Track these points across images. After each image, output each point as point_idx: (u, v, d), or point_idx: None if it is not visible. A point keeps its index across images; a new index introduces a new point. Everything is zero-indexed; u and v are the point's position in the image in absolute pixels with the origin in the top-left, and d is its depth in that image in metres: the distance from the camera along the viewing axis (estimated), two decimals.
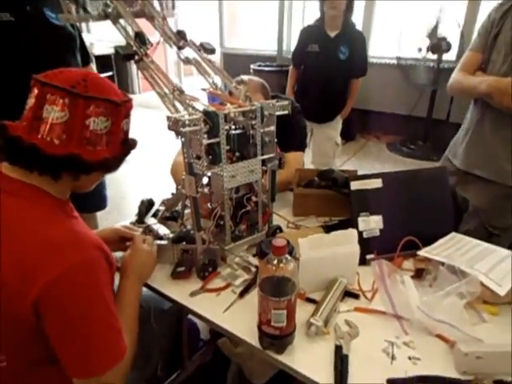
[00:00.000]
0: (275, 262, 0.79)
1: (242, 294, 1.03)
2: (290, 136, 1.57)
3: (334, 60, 2.58)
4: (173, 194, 1.39)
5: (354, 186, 1.16)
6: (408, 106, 4.51)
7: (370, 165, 4.11)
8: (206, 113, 0.97)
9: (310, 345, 0.88)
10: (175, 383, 1.50)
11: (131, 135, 0.92)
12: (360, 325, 0.93)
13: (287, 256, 0.79)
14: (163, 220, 1.32)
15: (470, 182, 1.50)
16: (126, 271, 0.99)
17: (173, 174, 1.56)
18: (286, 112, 1.11)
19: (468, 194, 1.50)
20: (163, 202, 1.37)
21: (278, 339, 0.83)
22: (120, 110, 0.84)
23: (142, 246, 1.05)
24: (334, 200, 1.37)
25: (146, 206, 1.33)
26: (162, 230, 1.21)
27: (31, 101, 0.78)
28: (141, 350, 1.09)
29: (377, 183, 1.17)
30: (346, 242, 1.02)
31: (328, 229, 1.31)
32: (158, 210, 1.34)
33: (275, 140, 1.12)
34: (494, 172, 1.43)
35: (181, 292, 1.05)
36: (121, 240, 1.16)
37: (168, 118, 0.94)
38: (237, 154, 1.08)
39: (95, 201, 1.90)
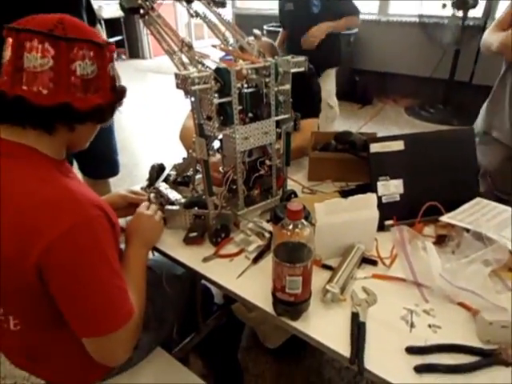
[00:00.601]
0: (290, 226, 0.75)
1: (255, 260, 1.00)
2: (304, 101, 1.50)
3: (308, 15, 2.47)
4: (184, 158, 1.35)
5: (374, 148, 1.10)
6: (429, 67, 4.29)
7: (388, 130, 3.98)
8: (216, 70, 0.91)
9: (326, 312, 0.86)
10: (190, 346, 1.52)
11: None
12: (378, 292, 0.90)
13: (303, 221, 0.75)
14: (174, 185, 1.29)
15: (487, 143, 1.46)
16: (129, 237, 0.99)
17: (182, 138, 1.51)
18: (302, 69, 1.04)
19: (481, 155, 1.45)
20: (174, 167, 1.33)
21: (292, 306, 0.80)
22: (104, 53, 0.79)
23: (145, 211, 1.04)
24: (352, 164, 1.31)
25: (157, 170, 1.30)
26: (173, 194, 1.18)
27: (7, 53, 0.73)
28: (154, 314, 1.09)
29: (398, 145, 1.11)
30: (365, 207, 0.97)
31: (345, 194, 1.26)
32: (169, 175, 1.30)
33: (290, 100, 1.06)
34: (505, 133, 1.38)
35: (193, 257, 1.03)
36: (129, 206, 1.13)
37: (176, 75, 0.89)
38: (250, 114, 1.02)
39: (107, 167, 1.88)
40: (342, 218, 0.95)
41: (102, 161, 1.81)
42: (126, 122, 4.28)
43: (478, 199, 1.12)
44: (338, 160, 1.33)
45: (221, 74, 0.90)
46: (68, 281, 0.73)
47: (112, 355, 0.84)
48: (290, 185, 1.30)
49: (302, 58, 1.03)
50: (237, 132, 0.97)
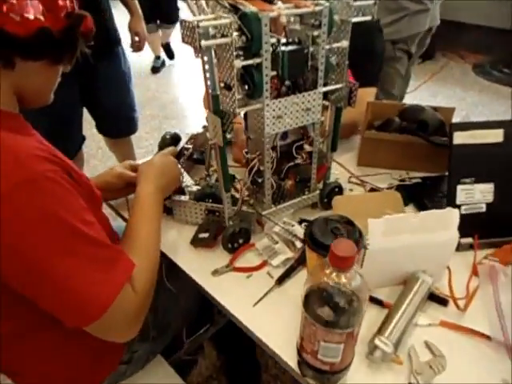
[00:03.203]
0: (334, 274, 0.49)
1: (280, 281, 0.76)
2: (363, 64, 1.15)
3: None
4: (204, 127, 1.09)
5: (459, 138, 0.79)
6: (509, 17, 3.61)
7: (451, 91, 3.46)
8: (242, 16, 0.61)
9: (373, 375, 0.62)
10: (204, 338, 1.35)
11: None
12: (447, 350, 0.64)
13: (354, 268, 0.49)
14: (189, 161, 1.04)
15: None
16: (142, 178, 0.81)
17: (204, 101, 1.23)
18: (368, 18, 0.72)
19: None
20: (191, 138, 1.08)
21: (325, 374, 0.57)
22: None
23: (167, 154, 0.90)
24: (419, 150, 1.00)
25: (169, 142, 1.05)
26: (185, 178, 0.93)
27: None
28: (154, 321, 0.91)
29: (495, 136, 0.78)
30: (440, 227, 0.68)
31: (406, 190, 0.97)
32: (184, 149, 1.05)
33: (346, 63, 0.75)
34: None
35: (201, 265, 0.81)
36: (128, 186, 0.91)
37: (182, 23, 0.60)
38: (287, 82, 0.73)
39: (122, 124, 1.66)
40: (405, 240, 0.68)
41: (115, 118, 1.59)
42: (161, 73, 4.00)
43: None
44: (401, 144, 1.01)
45: (247, 23, 0.61)
46: (21, 257, 0.56)
47: (115, 333, 0.67)
48: (333, 169, 1.00)
49: (369, 1, 0.71)
50: (267, 108, 0.69)
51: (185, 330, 1.08)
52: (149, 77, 3.88)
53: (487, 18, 3.80)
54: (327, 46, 0.70)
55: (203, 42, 0.58)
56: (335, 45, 0.72)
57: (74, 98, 1.40)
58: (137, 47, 1.72)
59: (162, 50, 4.00)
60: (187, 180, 0.92)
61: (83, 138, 1.58)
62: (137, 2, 1.66)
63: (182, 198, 0.87)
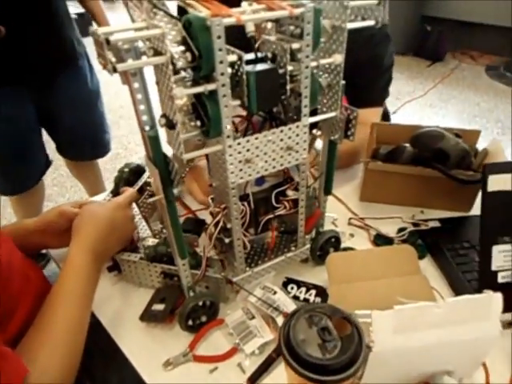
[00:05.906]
0: None
1: (253, 380, 0.56)
2: (368, 79, 0.96)
3: None
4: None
5: (495, 183, 0.58)
6: None
7: (463, 95, 3.24)
8: (185, 23, 0.42)
9: None
10: None
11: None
12: None
13: None
14: (151, 205, 0.85)
15: None
16: (75, 239, 0.62)
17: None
18: (371, 23, 0.52)
19: None
20: None
21: None
22: None
23: (125, 206, 0.69)
24: (436, 185, 0.80)
25: (127, 176, 0.85)
26: (141, 226, 0.74)
27: None
28: None
29: None
30: (475, 317, 0.48)
31: (422, 237, 0.77)
32: (146, 184, 0.86)
33: (342, 83, 0.55)
34: None
35: (151, 351, 0.61)
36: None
37: (92, 34, 0.40)
38: (260, 113, 0.53)
39: (86, 146, 1.46)
40: (425, 337, 0.48)
41: (79, 139, 1.39)
42: None
43: None
44: (414, 178, 0.81)
45: (192, 31, 0.41)
46: None
47: None
48: (329, 205, 0.79)
49: (372, 0, 0.51)
50: (229, 151, 0.49)
51: None
52: None
53: (501, 16, 3.57)
54: (313, 63, 0.50)
55: (119, 66, 0.38)
56: (324, 61, 0.52)
57: (29, 117, 1.22)
58: None
59: None
60: (144, 229, 0.73)
61: (48, 162, 1.39)
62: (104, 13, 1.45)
63: (132, 256, 0.67)
